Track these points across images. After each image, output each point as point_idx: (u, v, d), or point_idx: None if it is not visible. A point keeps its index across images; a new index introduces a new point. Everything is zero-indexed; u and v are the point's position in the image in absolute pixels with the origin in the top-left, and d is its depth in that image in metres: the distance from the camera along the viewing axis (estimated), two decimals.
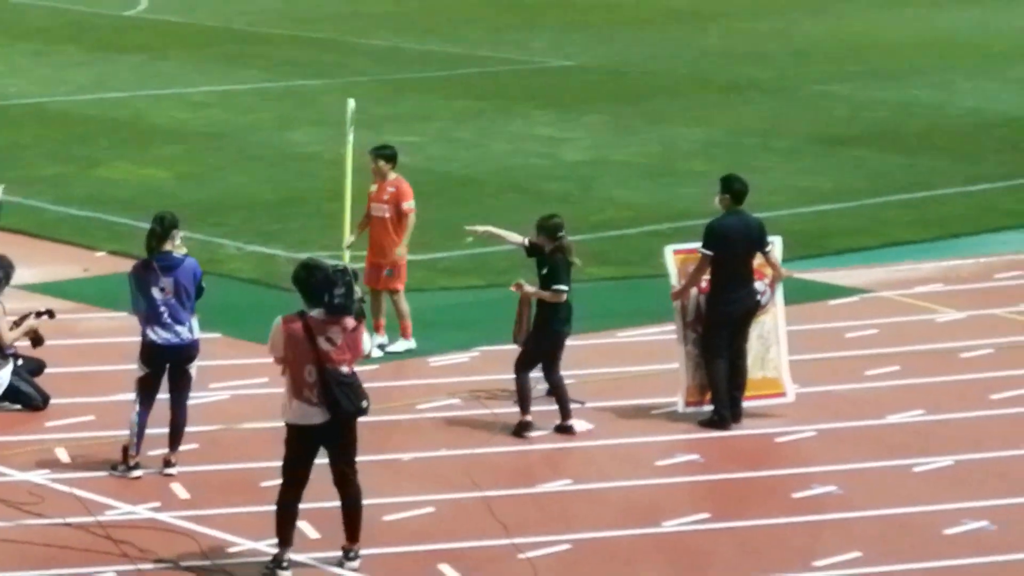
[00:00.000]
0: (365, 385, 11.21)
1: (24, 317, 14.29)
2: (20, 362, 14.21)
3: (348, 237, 16.47)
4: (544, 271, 13.98)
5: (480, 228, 14.92)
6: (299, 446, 11.18)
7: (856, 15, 43.18)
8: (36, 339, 14.29)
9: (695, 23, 41.09)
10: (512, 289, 14.24)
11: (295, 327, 11.10)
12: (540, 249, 14.05)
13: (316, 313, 11.10)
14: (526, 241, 14.19)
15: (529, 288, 14.04)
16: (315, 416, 11.10)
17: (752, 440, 14.02)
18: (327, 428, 11.12)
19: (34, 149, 25.36)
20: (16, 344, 14.21)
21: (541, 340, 14.04)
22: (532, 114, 28.75)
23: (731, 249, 14.08)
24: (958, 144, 26.82)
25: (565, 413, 14.05)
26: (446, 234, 20.23)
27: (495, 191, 22.78)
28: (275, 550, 11.24)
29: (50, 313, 14.44)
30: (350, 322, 11.12)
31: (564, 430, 13.99)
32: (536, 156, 25.40)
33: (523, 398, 13.99)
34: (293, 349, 11.10)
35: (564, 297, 13.91)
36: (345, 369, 11.09)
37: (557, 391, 14.07)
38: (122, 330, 15.29)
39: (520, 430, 13.93)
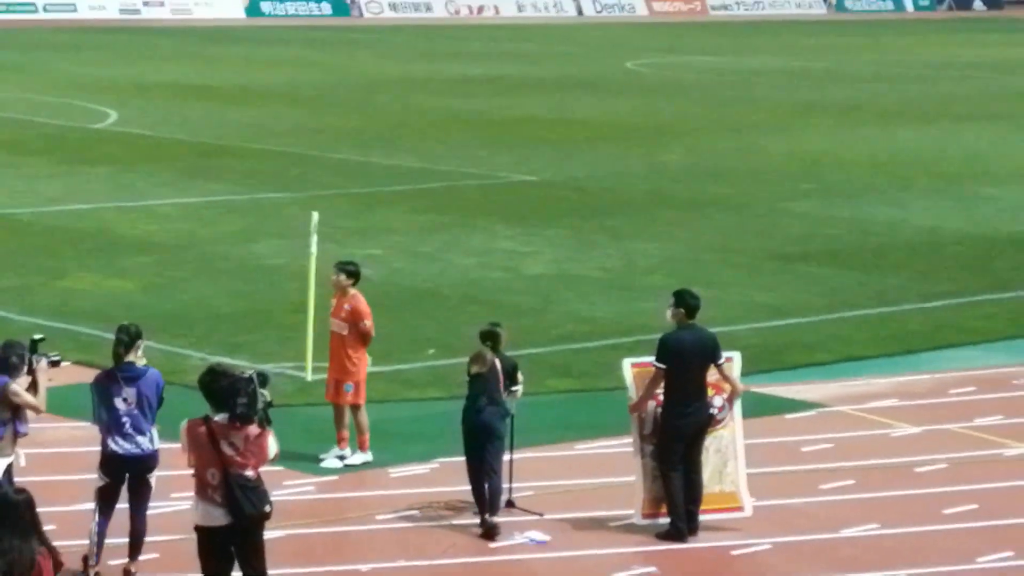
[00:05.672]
0: (325, 496, 11.37)
1: (30, 369, 13.26)
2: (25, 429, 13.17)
3: None
4: None
5: None
6: (207, 550, 11.34)
7: (814, 134, 43.71)
8: (54, 363, 13.36)
9: (655, 141, 41.54)
10: None
11: (199, 431, 11.29)
12: None
13: (220, 418, 11.28)
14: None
15: None
16: (219, 518, 11.24)
17: (708, 553, 14.15)
18: (231, 531, 11.24)
19: (0, 260, 25.47)
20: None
21: None
22: (494, 228, 29.01)
23: (684, 363, 14.26)
24: (913, 261, 27.13)
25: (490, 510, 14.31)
26: (408, 346, 20.43)
27: (457, 304, 22.98)
28: None
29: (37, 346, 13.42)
30: (254, 430, 11.27)
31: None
32: (498, 270, 25.64)
33: (475, 500, 14.35)
34: (197, 452, 11.30)
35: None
36: (250, 473, 11.25)
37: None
38: (85, 440, 15.33)
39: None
